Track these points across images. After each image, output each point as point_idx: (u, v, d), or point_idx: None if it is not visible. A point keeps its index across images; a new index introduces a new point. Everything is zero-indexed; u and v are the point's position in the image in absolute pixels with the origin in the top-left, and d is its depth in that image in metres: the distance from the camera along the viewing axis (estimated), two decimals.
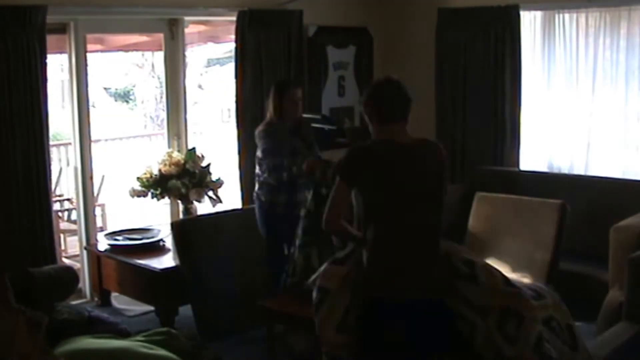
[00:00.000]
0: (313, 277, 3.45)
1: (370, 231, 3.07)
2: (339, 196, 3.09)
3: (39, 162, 4.90)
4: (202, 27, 6.81)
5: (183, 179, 5.29)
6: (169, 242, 5.25)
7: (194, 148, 5.58)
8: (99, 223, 6.71)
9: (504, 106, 5.92)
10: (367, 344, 3.09)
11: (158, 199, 5.39)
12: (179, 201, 5.48)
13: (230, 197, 5.92)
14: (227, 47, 9.17)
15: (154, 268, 4.85)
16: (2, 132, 4.76)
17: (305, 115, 5.88)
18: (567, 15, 5.84)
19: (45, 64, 4.89)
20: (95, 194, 6.20)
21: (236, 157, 5.94)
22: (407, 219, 3.05)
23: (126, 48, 7.81)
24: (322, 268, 3.38)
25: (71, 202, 6.98)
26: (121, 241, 5.32)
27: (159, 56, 6.15)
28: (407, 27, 6.66)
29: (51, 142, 5.43)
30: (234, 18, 5.76)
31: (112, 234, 5.52)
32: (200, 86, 13.27)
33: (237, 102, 5.91)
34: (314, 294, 3.27)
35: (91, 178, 5.54)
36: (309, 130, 4.95)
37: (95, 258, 5.36)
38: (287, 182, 4.67)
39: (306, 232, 4.22)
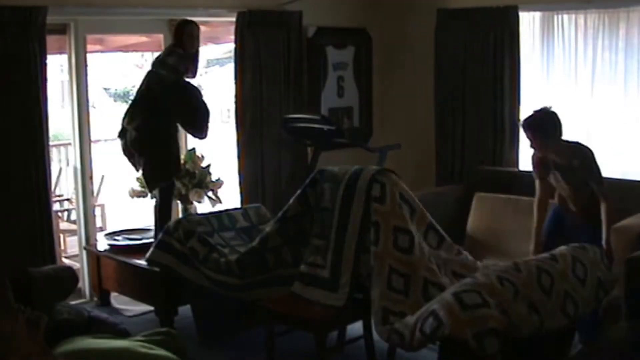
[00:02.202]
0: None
1: None
2: None
3: (38, 162, 4.90)
4: (201, 28, 6.79)
5: (183, 179, 5.29)
6: None
7: (193, 148, 5.59)
8: (98, 223, 6.73)
9: (503, 106, 5.93)
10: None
11: None
12: (178, 201, 5.48)
13: (230, 197, 5.93)
14: (227, 48, 9.17)
15: (153, 268, 4.85)
16: (2, 132, 4.77)
17: (304, 116, 5.91)
18: (566, 16, 5.85)
19: (45, 65, 4.90)
20: (94, 194, 6.21)
21: (236, 161, 5.95)
22: None
23: (126, 49, 7.81)
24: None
25: (71, 202, 6.98)
26: (121, 241, 5.32)
27: None
28: (406, 28, 6.67)
29: (51, 142, 5.44)
30: (233, 19, 5.77)
31: (112, 234, 5.52)
32: (199, 86, 13.25)
33: (236, 102, 5.92)
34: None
35: (91, 178, 5.55)
36: None
37: (95, 258, 5.37)
38: None
39: (281, 234, 4.38)
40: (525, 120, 4.34)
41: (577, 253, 3.71)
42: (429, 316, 3.22)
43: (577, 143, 4.39)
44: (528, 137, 4.32)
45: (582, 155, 4.28)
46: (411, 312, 3.69)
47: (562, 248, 3.77)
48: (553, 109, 4.32)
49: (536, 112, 4.33)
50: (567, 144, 4.34)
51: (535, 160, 4.46)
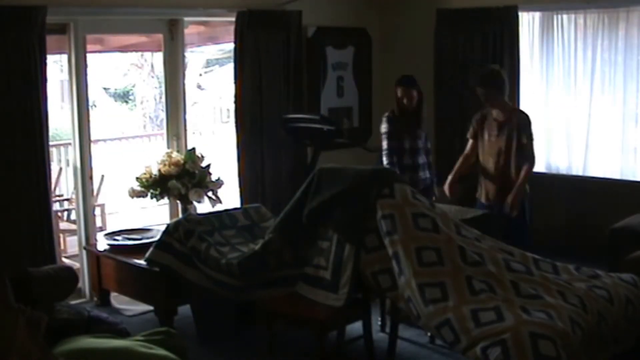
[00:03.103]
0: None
1: None
2: None
3: (38, 162, 4.91)
4: (201, 28, 6.82)
5: (183, 179, 5.29)
6: None
7: (193, 148, 5.59)
8: (98, 223, 6.72)
9: None
10: None
11: (157, 200, 5.40)
12: (178, 201, 5.48)
13: (230, 197, 5.93)
14: (227, 48, 9.18)
15: (153, 268, 4.85)
16: (2, 132, 4.77)
17: (303, 116, 5.91)
18: (565, 16, 5.86)
19: (45, 64, 4.90)
20: (94, 194, 6.21)
21: (236, 161, 5.94)
22: None
23: (126, 48, 7.82)
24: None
25: (71, 202, 6.98)
26: (120, 241, 5.32)
27: (159, 56, 6.16)
28: (405, 28, 6.68)
29: (51, 142, 5.44)
30: (233, 19, 5.77)
31: (112, 234, 5.51)
32: (199, 86, 13.28)
33: (236, 102, 5.92)
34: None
35: (91, 178, 5.55)
36: None
37: (95, 258, 5.37)
38: None
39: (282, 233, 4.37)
40: (481, 75, 5.06)
41: (631, 293, 3.73)
42: (497, 344, 3.19)
43: (515, 107, 5.24)
44: (480, 92, 4.99)
45: (520, 115, 5.01)
46: (452, 279, 3.61)
47: (619, 283, 3.76)
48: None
49: (491, 68, 5.14)
50: (509, 104, 5.12)
51: (478, 118, 5.16)
